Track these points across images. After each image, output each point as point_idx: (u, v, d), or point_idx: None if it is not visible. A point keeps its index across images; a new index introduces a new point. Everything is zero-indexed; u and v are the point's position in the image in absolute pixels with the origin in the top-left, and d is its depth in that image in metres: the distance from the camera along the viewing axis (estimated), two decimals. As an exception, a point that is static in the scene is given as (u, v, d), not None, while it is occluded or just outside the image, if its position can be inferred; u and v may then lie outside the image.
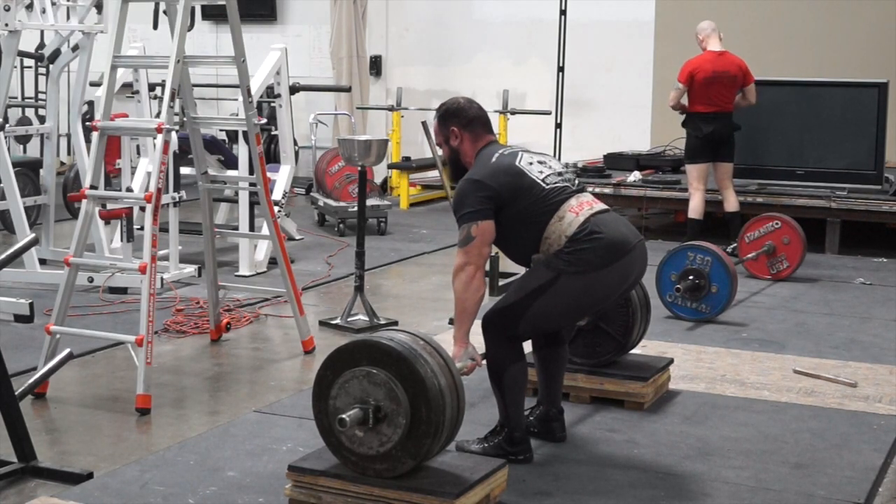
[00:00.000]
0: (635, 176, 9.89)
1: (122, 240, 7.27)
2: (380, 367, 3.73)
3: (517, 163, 4.30)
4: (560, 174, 4.37)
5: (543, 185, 4.26)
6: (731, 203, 8.88)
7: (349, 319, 6.60)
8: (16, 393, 4.34)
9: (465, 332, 4.23)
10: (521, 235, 4.27)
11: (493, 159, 4.30)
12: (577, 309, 4.34)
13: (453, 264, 4.25)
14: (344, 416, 3.71)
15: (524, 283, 4.28)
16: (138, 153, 8.14)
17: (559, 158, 8.80)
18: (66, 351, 4.93)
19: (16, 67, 10.37)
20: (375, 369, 3.73)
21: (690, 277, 6.72)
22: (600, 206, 4.35)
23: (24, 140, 12.07)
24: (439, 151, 4.76)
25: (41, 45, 10.71)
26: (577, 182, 4.43)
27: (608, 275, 4.22)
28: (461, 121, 4.42)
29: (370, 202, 9.25)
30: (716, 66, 8.70)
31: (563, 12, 11.25)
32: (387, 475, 3.79)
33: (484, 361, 4.32)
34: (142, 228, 6.01)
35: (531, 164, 4.33)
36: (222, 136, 10.41)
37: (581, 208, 4.25)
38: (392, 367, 3.73)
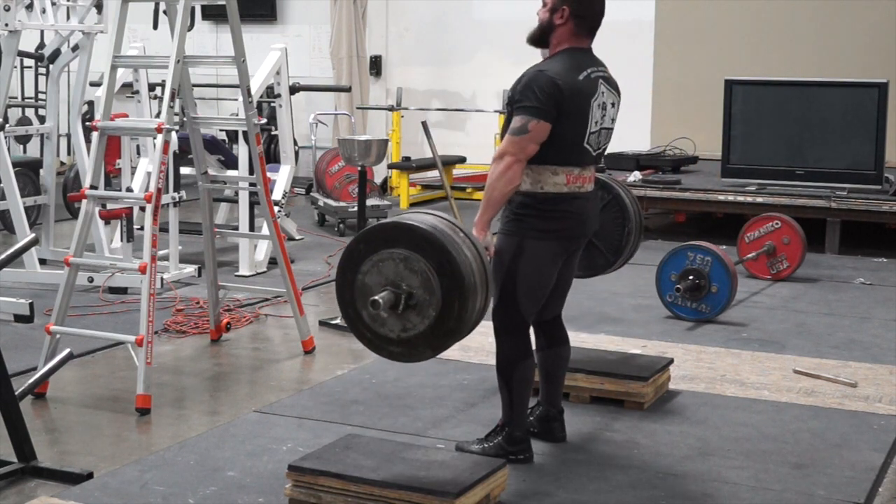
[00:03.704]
0: (635, 176, 9.89)
1: (122, 240, 7.27)
2: (420, 253, 3.67)
3: (593, 100, 4.20)
4: (601, 133, 4.28)
5: (585, 139, 4.20)
6: None
7: (349, 319, 6.59)
8: (16, 393, 4.34)
9: (488, 221, 4.14)
10: None
11: (581, 76, 4.18)
12: (547, 270, 4.26)
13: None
14: (377, 297, 3.67)
15: (498, 263, 4.23)
16: (138, 153, 8.14)
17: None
18: (66, 351, 4.93)
19: (16, 67, 10.37)
20: (415, 255, 3.67)
21: (690, 277, 6.72)
22: (590, 186, 4.31)
23: (24, 140, 12.07)
24: (439, 152, 4.72)
25: (41, 45, 10.70)
26: (603, 146, 4.33)
27: (557, 246, 4.23)
28: (578, 8, 4.25)
29: (370, 202, 9.24)
30: None
31: (563, 12, 11.25)
32: (400, 359, 3.82)
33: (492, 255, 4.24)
34: (142, 228, 6.01)
35: (599, 107, 4.22)
36: (222, 136, 10.41)
37: (576, 181, 4.22)
38: (433, 257, 3.66)
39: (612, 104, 4.33)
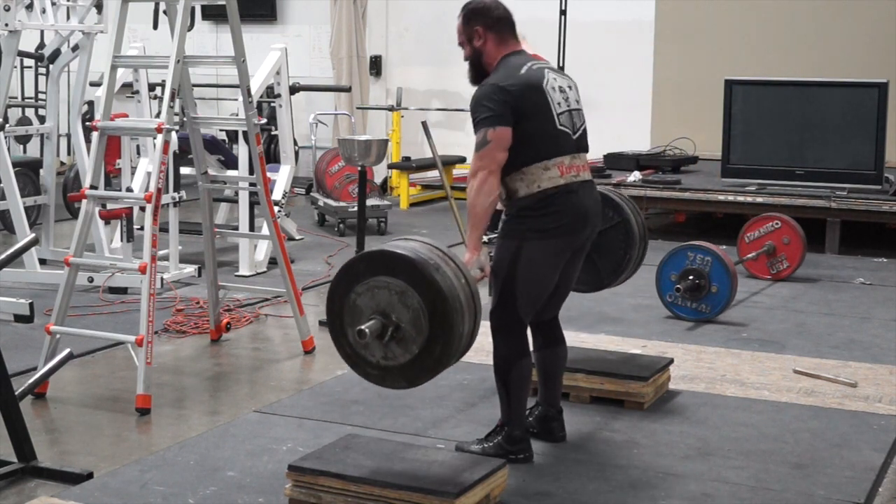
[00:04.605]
0: (635, 176, 9.90)
1: (122, 240, 7.28)
2: (417, 291, 3.70)
3: (544, 84, 4.23)
4: (571, 114, 4.30)
5: (557, 122, 4.22)
6: None
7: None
8: (16, 393, 4.34)
9: (478, 238, 4.19)
10: (511, 154, 4.19)
11: (523, 70, 4.22)
12: (547, 271, 4.26)
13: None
14: (364, 328, 3.70)
15: (497, 266, 4.26)
16: (138, 153, 8.14)
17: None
18: (66, 351, 4.93)
19: (16, 67, 10.37)
20: (413, 292, 3.70)
21: (690, 277, 6.72)
22: (586, 174, 4.32)
23: (24, 140, 12.07)
24: (439, 152, 4.72)
25: (41, 45, 10.70)
26: (581, 130, 4.35)
27: (562, 244, 4.24)
28: (487, 20, 4.30)
29: (370, 202, 9.25)
30: None
31: (563, 12, 11.27)
32: (373, 381, 3.87)
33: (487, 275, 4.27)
34: (142, 228, 6.02)
35: (555, 90, 4.26)
36: (222, 136, 10.40)
37: (569, 170, 4.23)
38: (429, 297, 3.69)
39: (570, 87, 4.37)
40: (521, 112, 4.15)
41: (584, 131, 4.39)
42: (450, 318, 3.70)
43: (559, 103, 4.26)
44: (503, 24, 4.33)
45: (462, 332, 3.76)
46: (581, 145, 4.34)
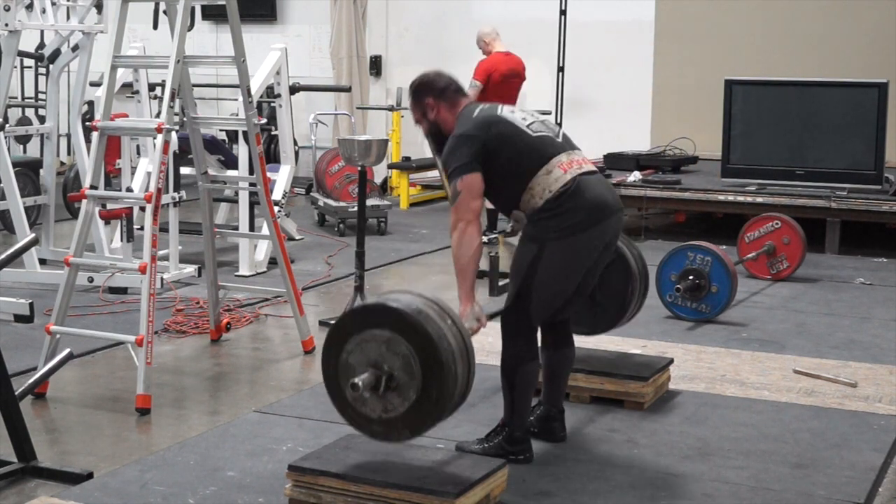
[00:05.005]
0: (635, 176, 9.90)
1: (122, 240, 7.27)
2: (404, 337, 3.71)
3: (499, 113, 4.33)
4: (544, 122, 4.38)
5: (530, 132, 4.28)
6: None
7: (349, 319, 6.58)
8: (16, 393, 4.34)
9: (468, 290, 4.21)
10: (507, 184, 4.24)
11: (475, 114, 4.33)
12: (569, 273, 4.26)
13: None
14: (357, 380, 3.70)
15: (516, 268, 4.28)
16: (138, 153, 8.14)
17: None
18: (66, 351, 4.93)
19: (16, 67, 10.37)
20: (399, 338, 3.71)
21: (690, 277, 6.72)
22: (589, 166, 4.34)
23: (24, 140, 12.07)
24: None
25: (41, 45, 10.70)
26: (560, 132, 4.40)
27: (586, 239, 4.23)
28: (434, 92, 4.43)
29: (370, 202, 9.24)
30: (508, 65, 9.23)
31: (563, 12, 11.27)
32: (379, 438, 3.86)
33: (488, 323, 4.29)
34: (142, 228, 6.01)
35: (513, 112, 4.36)
36: (222, 136, 10.40)
37: (570, 166, 4.26)
38: (416, 342, 3.70)
39: (523, 110, 4.45)
40: (490, 147, 4.21)
41: (565, 134, 4.44)
42: (440, 357, 3.70)
43: (524, 118, 4.34)
44: (450, 91, 4.45)
45: (455, 372, 3.74)
46: (570, 144, 4.37)
